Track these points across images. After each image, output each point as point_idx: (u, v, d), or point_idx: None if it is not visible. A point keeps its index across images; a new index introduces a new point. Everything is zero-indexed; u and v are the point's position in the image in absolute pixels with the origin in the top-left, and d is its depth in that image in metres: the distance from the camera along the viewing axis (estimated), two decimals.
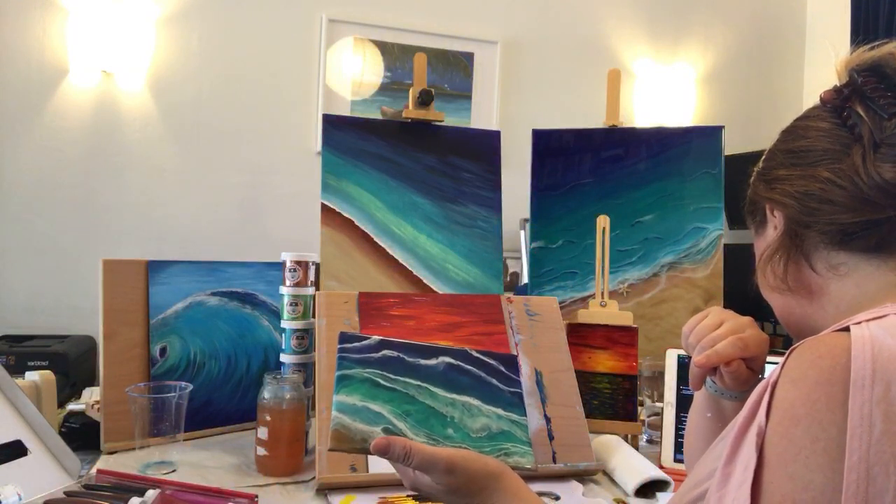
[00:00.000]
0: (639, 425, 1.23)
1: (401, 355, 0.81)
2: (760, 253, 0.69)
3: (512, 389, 0.82)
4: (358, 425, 0.72)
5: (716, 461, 0.54)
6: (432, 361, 0.81)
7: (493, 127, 2.57)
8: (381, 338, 0.82)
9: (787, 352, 0.52)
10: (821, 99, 0.64)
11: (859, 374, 0.47)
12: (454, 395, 0.79)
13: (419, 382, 0.79)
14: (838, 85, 0.63)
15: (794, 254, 0.63)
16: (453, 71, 2.65)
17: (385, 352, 0.81)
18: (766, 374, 0.54)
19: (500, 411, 0.79)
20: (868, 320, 0.51)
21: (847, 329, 0.51)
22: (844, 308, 0.60)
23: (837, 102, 0.62)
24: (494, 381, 0.82)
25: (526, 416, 0.80)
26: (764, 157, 0.70)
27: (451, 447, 0.70)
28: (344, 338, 0.81)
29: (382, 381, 0.77)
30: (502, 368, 0.84)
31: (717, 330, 0.71)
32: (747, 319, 0.73)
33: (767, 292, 0.69)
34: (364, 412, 0.73)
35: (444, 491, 0.66)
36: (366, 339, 0.82)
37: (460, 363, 0.82)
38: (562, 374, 1.14)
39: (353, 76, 2.54)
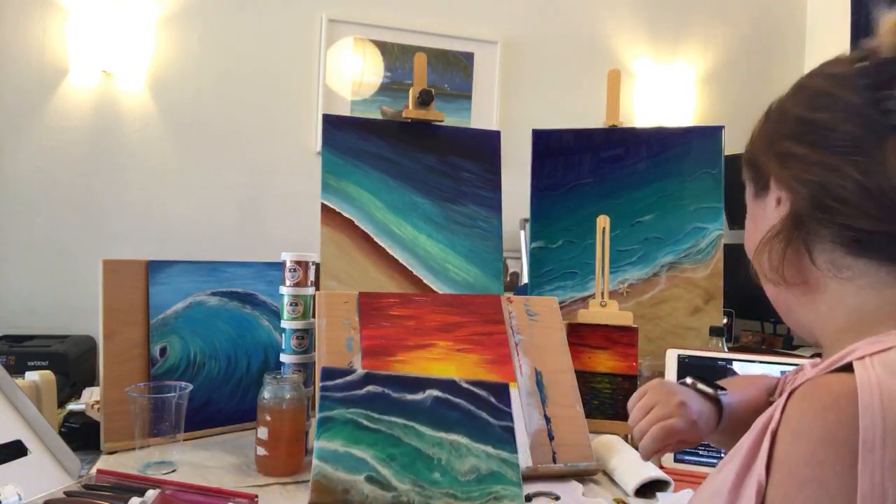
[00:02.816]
0: None
1: (386, 391, 0.77)
2: (757, 229, 0.62)
3: (502, 423, 0.78)
4: (340, 474, 0.69)
5: (714, 498, 0.50)
6: (419, 396, 0.77)
7: (493, 127, 2.56)
8: (365, 371, 0.78)
9: (786, 393, 0.47)
10: (854, 61, 0.54)
11: (869, 434, 0.42)
12: (442, 434, 0.75)
13: (405, 421, 0.75)
14: (883, 54, 0.52)
15: (796, 242, 0.57)
16: (453, 71, 2.65)
17: (370, 387, 0.76)
18: (768, 410, 0.49)
19: (489, 449, 0.75)
20: (871, 354, 0.46)
21: (850, 367, 0.46)
22: (840, 314, 0.55)
23: (878, 78, 0.51)
24: (484, 415, 0.78)
25: (517, 452, 0.77)
26: (773, 110, 0.61)
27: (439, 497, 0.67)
28: (326, 373, 0.77)
29: (366, 422, 0.74)
30: (492, 399, 0.79)
31: (641, 421, 0.72)
32: (675, 403, 0.72)
33: (761, 278, 0.63)
34: (346, 459, 0.70)
35: None
36: (350, 373, 0.77)
37: (448, 396, 0.78)
38: (562, 374, 1.14)
39: (353, 76, 2.54)
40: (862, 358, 0.46)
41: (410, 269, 1.43)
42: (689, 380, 0.77)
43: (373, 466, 0.70)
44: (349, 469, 0.69)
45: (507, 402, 0.80)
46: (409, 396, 0.77)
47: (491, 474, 0.74)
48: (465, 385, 0.79)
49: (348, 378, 0.77)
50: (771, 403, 0.75)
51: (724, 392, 0.76)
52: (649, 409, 0.73)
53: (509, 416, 0.78)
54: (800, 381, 0.48)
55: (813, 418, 0.44)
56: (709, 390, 0.75)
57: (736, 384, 0.80)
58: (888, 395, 0.43)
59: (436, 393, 0.78)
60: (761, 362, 1.13)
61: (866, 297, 0.53)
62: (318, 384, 0.75)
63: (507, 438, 0.77)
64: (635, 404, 0.75)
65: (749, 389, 0.79)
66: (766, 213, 0.61)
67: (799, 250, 0.57)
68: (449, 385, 0.79)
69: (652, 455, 0.72)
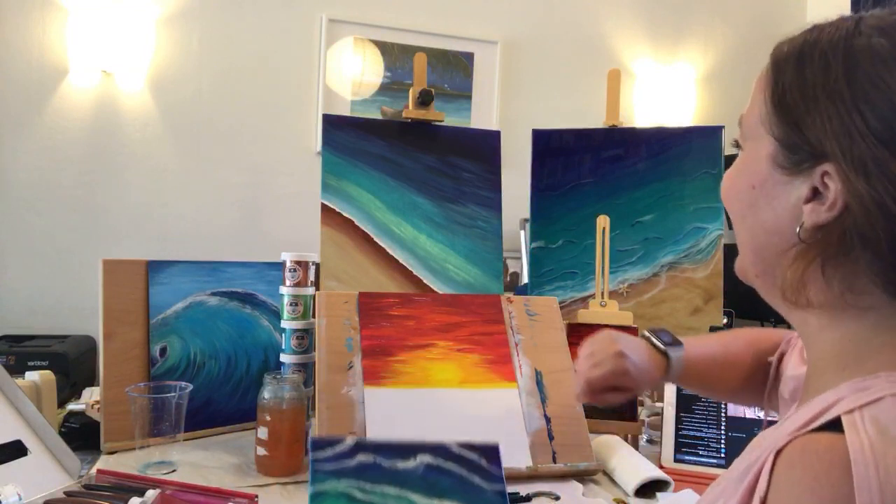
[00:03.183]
0: (639, 425, 1.23)
1: (377, 460, 0.76)
2: (757, 194, 0.52)
3: (494, 488, 0.78)
4: None
5: None
6: (411, 463, 0.77)
7: (493, 127, 2.56)
8: (356, 440, 0.77)
9: (771, 455, 0.44)
10: None
11: None
12: (435, 502, 0.75)
13: (398, 490, 0.75)
14: None
15: (822, 256, 0.47)
16: (453, 71, 2.65)
17: (360, 457, 0.76)
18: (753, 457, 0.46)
19: None
20: (861, 407, 0.43)
21: (838, 423, 0.42)
22: (829, 339, 0.50)
23: None
24: (476, 480, 0.78)
25: None
26: (815, 71, 0.48)
27: None
28: (316, 444, 0.76)
29: (359, 495, 0.73)
30: (483, 463, 0.79)
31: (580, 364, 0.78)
32: (612, 353, 0.76)
33: (753, 276, 0.55)
34: None
35: None
36: (339, 442, 0.77)
37: (440, 463, 0.78)
38: (562, 374, 1.14)
39: (353, 76, 2.54)
40: (851, 412, 0.42)
41: (410, 269, 1.43)
42: (646, 332, 0.82)
43: None
44: None
45: (498, 465, 0.80)
46: (401, 465, 0.77)
47: None
48: (457, 450, 0.79)
49: (338, 448, 0.76)
50: (760, 361, 0.76)
51: (676, 347, 0.78)
52: (590, 357, 0.78)
53: (500, 480, 0.79)
54: (783, 438, 0.44)
55: (805, 491, 0.41)
56: (658, 344, 0.79)
57: (707, 339, 0.85)
58: (884, 465, 0.39)
59: (427, 459, 0.78)
60: None
61: (864, 328, 0.48)
62: (309, 455, 0.75)
63: (498, 501, 0.77)
64: (583, 353, 0.80)
65: (715, 346, 0.82)
66: (787, 195, 0.49)
67: (816, 262, 0.48)
68: (441, 450, 0.79)
69: (584, 401, 0.80)
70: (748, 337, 0.81)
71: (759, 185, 0.52)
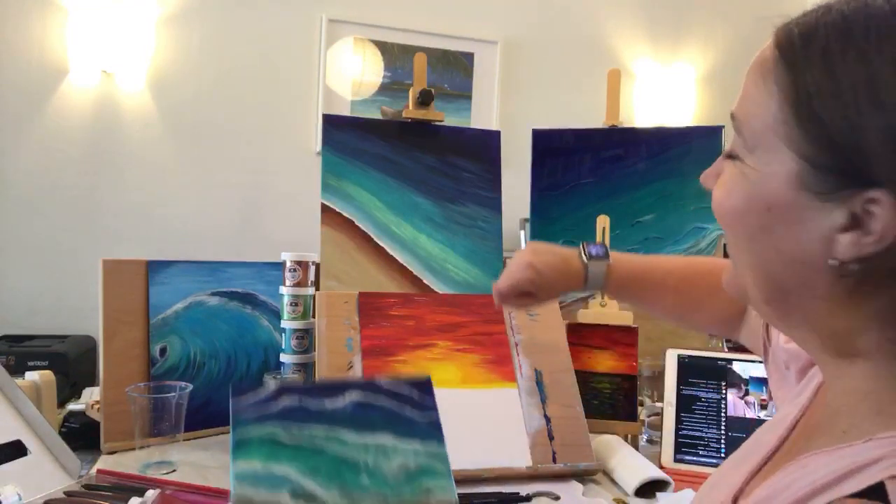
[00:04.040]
0: (639, 425, 1.23)
1: (303, 401, 0.72)
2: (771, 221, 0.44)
3: (427, 419, 0.75)
4: (262, 494, 0.65)
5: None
6: (339, 402, 0.73)
7: (493, 127, 2.57)
8: (279, 383, 0.75)
9: None
10: None
11: None
12: (366, 438, 0.72)
13: (326, 431, 0.71)
14: None
15: (874, 295, 0.41)
16: (453, 71, 2.65)
17: (285, 400, 0.72)
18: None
19: (416, 446, 0.73)
20: None
21: (879, 490, 0.36)
22: (859, 375, 0.43)
23: None
24: (408, 412, 0.75)
25: (444, 444, 0.74)
26: (849, 68, 0.38)
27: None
28: (236, 389, 0.72)
29: (284, 437, 0.69)
30: (415, 395, 0.76)
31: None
32: (521, 263, 0.84)
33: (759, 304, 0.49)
34: (266, 478, 0.67)
35: None
36: (261, 386, 0.73)
37: (369, 399, 0.75)
38: (562, 374, 1.14)
39: (353, 76, 2.54)
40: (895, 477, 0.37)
41: (410, 269, 1.43)
42: (582, 243, 0.87)
43: (296, 480, 0.67)
44: (271, 487, 0.66)
45: (431, 395, 0.77)
46: (329, 404, 0.73)
47: (420, 470, 0.71)
48: (386, 384, 0.76)
49: (261, 393, 0.72)
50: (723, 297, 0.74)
51: (598, 260, 0.84)
52: (507, 268, 0.87)
53: (434, 411, 0.76)
54: (818, 500, 0.39)
55: None
56: (582, 256, 0.85)
57: (660, 260, 0.90)
58: None
59: (356, 397, 0.75)
60: (761, 362, 1.13)
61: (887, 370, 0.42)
62: (230, 403, 0.71)
63: (432, 433, 0.74)
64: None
65: (663, 267, 0.86)
66: (817, 222, 0.41)
67: (855, 283, 0.41)
68: (369, 386, 0.76)
69: (498, 304, 0.87)
70: (706, 268, 0.83)
71: (777, 208, 0.43)
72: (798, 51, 0.41)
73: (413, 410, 0.75)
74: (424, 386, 0.78)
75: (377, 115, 2.54)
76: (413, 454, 0.72)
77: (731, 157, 0.47)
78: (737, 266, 0.49)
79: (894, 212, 0.37)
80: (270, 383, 0.74)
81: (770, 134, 0.42)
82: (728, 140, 1.52)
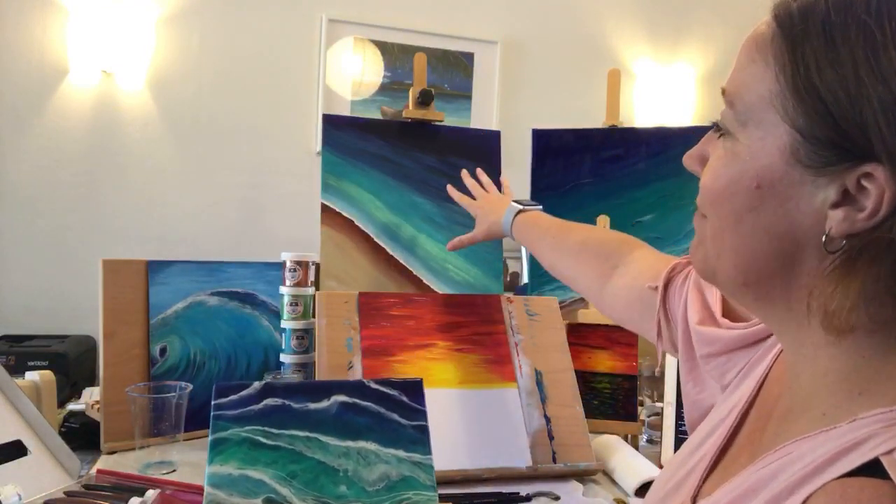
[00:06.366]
0: (639, 425, 1.23)
1: (286, 402, 0.70)
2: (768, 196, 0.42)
3: (415, 423, 0.72)
4: (234, 500, 0.64)
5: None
6: (324, 403, 0.71)
7: (493, 127, 2.57)
8: (264, 383, 0.72)
9: (802, 498, 0.37)
10: None
11: None
12: (349, 443, 0.69)
13: (308, 433, 0.69)
14: None
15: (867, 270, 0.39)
16: (453, 71, 2.65)
17: (267, 401, 0.70)
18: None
19: (400, 453, 0.70)
20: None
21: (875, 467, 0.35)
22: (834, 355, 0.42)
23: None
24: (395, 417, 0.72)
25: (430, 453, 0.71)
26: (851, 40, 0.37)
27: None
28: (219, 391, 0.70)
29: (264, 439, 0.67)
30: (405, 398, 0.74)
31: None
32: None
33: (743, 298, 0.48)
34: (241, 483, 0.65)
35: None
36: (245, 387, 0.70)
37: (356, 400, 0.72)
38: (562, 374, 1.14)
39: (353, 76, 2.54)
40: (891, 452, 0.36)
41: (410, 269, 1.43)
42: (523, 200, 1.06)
43: (271, 487, 0.65)
44: (245, 493, 0.64)
45: (421, 400, 0.74)
46: (313, 406, 0.70)
47: (402, 480, 0.69)
48: (375, 386, 0.74)
49: (244, 393, 0.69)
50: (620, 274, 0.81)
51: (521, 206, 1.03)
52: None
53: (423, 415, 0.73)
54: (811, 485, 0.37)
55: None
56: (514, 204, 1.04)
57: (570, 226, 0.93)
58: None
59: (342, 398, 0.72)
60: None
61: (878, 347, 0.41)
62: (211, 403, 0.69)
63: (419, 439, 0.71)
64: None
65: (548, 220, 0.97)
66: (808, 197, 0.40)
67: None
68: (357, 387, 0.73)
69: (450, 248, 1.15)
70: (598, 235, 0.92)
71: (767, 184, 0.42)
72: (797, 23, 0.40)
73: (401, 415, 0.73)
74: (416, 388, 0.75)
75: (377, 115, 2.54)
76: (396, 462, 0.70)
77: (720, 132, 0.46)
78: (716, 249, 0.48)
79: (889, 186, 0.36)
80: (255, 384, 0.71)
81: (764, 105, 0.42)
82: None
